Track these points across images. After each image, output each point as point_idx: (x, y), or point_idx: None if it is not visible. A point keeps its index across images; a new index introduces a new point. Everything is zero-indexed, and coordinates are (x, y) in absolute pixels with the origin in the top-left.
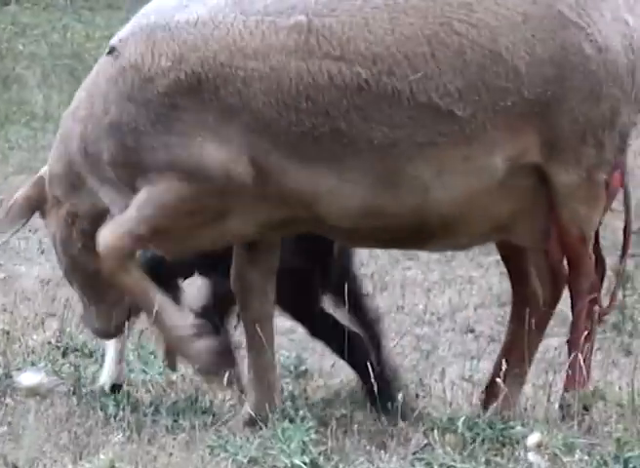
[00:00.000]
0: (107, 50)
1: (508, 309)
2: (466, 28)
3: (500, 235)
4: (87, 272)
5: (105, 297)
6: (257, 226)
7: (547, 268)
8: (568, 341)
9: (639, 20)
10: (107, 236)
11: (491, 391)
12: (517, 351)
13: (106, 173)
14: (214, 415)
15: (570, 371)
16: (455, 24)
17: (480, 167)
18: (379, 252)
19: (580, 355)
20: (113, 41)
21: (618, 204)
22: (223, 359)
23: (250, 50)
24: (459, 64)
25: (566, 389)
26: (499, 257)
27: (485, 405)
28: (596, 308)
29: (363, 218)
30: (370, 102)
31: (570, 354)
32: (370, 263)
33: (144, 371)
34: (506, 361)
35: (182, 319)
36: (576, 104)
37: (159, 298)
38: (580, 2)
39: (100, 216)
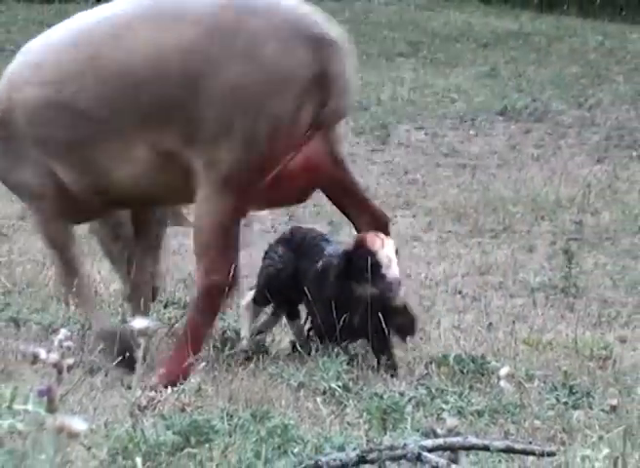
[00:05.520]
0: None
1: (487, 277)
2: (110, 71)
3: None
4: None
5: None
6: None
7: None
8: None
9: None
10: None
11: None
12: None
13: None
14: (271, 353)
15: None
16: (102, 62)
17: (134, 157)
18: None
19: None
20: None
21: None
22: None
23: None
24: (107, 89)
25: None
26: (480, 239)
27: None
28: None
29: (102, 193)
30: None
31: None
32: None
33: (222, 319)
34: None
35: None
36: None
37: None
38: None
39: None
